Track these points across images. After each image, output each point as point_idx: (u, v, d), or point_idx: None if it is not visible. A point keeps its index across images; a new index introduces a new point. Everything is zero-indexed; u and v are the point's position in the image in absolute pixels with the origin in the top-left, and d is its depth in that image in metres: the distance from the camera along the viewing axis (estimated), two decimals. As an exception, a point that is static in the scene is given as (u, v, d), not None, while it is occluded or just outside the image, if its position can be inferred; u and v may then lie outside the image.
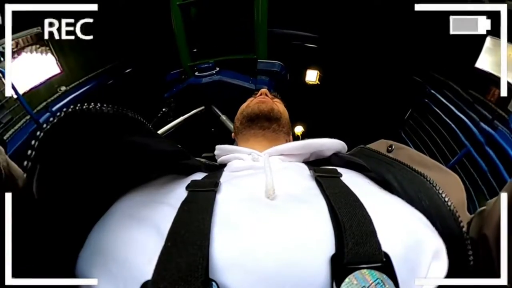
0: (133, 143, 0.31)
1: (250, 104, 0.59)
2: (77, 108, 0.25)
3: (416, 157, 0.40)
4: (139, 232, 0.26)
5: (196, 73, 2.16)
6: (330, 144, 0.48)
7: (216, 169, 0.45)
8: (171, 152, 0.37)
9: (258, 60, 2.12)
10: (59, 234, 0.26)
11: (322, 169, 0.37)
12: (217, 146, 0.53)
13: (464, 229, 0.29)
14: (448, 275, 0.26)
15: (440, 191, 0.31)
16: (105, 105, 0.27)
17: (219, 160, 0.51)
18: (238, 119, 0.61)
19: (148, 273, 0.21)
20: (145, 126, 0.32)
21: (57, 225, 0.26)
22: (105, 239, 0.27)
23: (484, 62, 2.03)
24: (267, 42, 2.12)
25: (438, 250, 0.26)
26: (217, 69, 2.11)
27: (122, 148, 0.30)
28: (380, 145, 0.46)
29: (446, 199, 0.30)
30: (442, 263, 0.26)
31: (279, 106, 0.62)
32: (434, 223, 0.29)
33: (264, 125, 0.55)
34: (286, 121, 0.61)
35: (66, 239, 0.27)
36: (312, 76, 2.86)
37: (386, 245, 0.23)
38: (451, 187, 0.34)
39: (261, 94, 0.64)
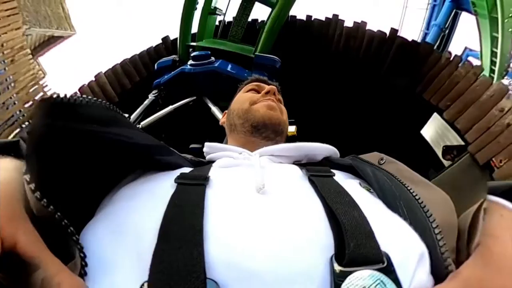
0: (113, 134, 0.29)
1: (258, 108, 0.53)
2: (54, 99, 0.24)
3: (405, 172, 0.40)
4: (127, 231, 0.25)
5: (191, 62, 2.06)
6: (322, 149, 0.46)
7: (203, 165, 0.42)
8: (153, 145, 0.34)
9: (256, 54, 2.05)
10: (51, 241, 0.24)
11: (315, 168, 0.36)
12: (206, 144, 0.50)
13: (446, 252, 0.26)
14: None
15: (422, 205, 0.30)
16: (79, 96, 0.26)
17: (208, 157, 0.48)
18: (240, 117, 0.54)
19: (143, 273, 0.21)
20: (123, 117, 0.31)
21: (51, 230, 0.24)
22: (96, 241, 0.25)
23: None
24: (272, 41, 2.07)
25: (423, 255, 0.26)
26: (213, 58, 2.02)
27: (102, 139, 0.28)
28: (372, 157, 0.46)
29: (428, 214, 0.29)
30: (427, 265, 0.26)
31: (283, 111, 0.57)
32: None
33: (269, 136, 0.52)
34: (287, 130, 0.57)
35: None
36: (291, 128, 3.28)
37: (382, 246, 0.23)
38: (438, 205, 0.33)
39: (268, 92, 0.56)
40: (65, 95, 0.25)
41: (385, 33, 2.36)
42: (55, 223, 0.22)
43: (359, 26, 2.44)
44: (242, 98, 0.59)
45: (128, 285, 0.21)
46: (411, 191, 0.32)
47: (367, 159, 0.44)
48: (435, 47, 2.36)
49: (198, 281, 0.20)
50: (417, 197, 0.31)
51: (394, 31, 2.35)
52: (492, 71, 4.54)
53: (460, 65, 2.06)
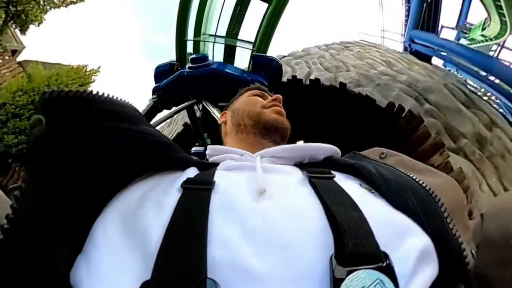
0: (142, 132, 0.31)
1: (270, 112, 0.56)
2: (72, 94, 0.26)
3: (408, 162, 0.40)
4: (135, 231, 0.26)
5: (189, 64, 2.07)
6: (323, 148, 0.46)
7: (207, 166, 0.43)
8: (167, 142, 0.36)
9: (254, 54, 2.06)
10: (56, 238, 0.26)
11: (315, 170, 0.37)
12: (209, 146, 0.52)
13: (457, 232, 0.28)
14: (447, 278, 0.26)
15: (430, 191, 0.31)
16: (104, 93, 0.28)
17: (211, 159, 0.49)
18: (251, 118, 0.56)
19: (146, 272, 0.21)
20: (145, 119, 0.34)
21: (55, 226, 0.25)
22: (101, 241, 0.26)
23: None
24: (270, 38, 2.08)
25: (425, 250, 0.26)
26: (211, 60, 2.03)
27: (132, 137, 0.31)
28: (373, 152, 0.46)
29: (437, 199, 0.30)
30: (431, 263, 0.26)
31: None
32: (421, 222, 0.29)
33: (276, 140, 0.54)
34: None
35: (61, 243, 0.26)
36: (299, 143, 3.69)
37: (381, 246, 0.23)
38: (445, 189, 0.33)
39: (275, 100, 0.59)
40: (98, 92, 0.28)
41: (335, 86, 2.55)
42: None
43: (313, 82, 2.68)
44: (251, 100, 0.61)
45: (132, 284, 0.22)
46: (417, 179, 0.33)
47: (368, 155, 0.45)
48: (420, 20, 2.45)
49: (198, 280, 0.20)
50: (423, 185, 0.32)
51: (342, 84, 2.56)
52: (503, 22, 4.35)
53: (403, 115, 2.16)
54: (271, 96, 0.64)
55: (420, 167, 0.39)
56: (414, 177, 0.34)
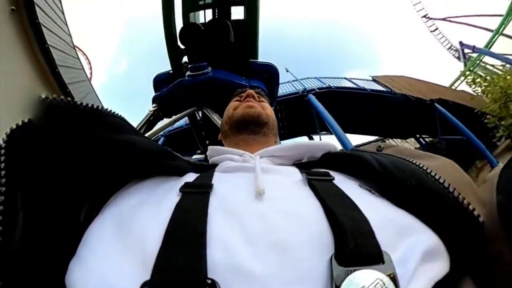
0: (118, 140, 0.32)
1: (238, 110, 0.60)
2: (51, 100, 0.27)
3: (405, 150, 0.41)
4: (132, 235, 0.26)
5: (189, 73, 2.12)
6: (321, 146, 0.48)
7: (206, 168, 0.45)
8: (158, 150, 0.37)
9: (251, 60, 2.11)
10: (47, 243, 0.26)
11: (314, 172, 0.37)
12: (210, 147, 0.53)
13: (464, 200, 0.28)
14: (463, 251, 0.26)
15: (428, 170, 0.31)
16: (80, 102, 0.29)
17: (211, 160, 0.51)
18: (227, 123, 0.61)
19: (146, 274, 0.21)
20: (127, 124, 0.34)
21: (44, 232, 0.25)
22: (97, 245, 0.26)
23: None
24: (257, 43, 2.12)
25: (430, 249, 0.26)
26: (210, 68, 2.08)
27: (105, 145, 0.31)
28: (370, 147, 0.48)
29: (437, 177, 0.30)
30: (438, 261, 0.26)
31: (266, 107, 0.62)
32: (424, 206, 0.29)
33: (255, 130, 0.56)
34: (274, 123, 0.62)
35: (54, 249, 0.26)
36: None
37: (382, 246, 0.23)
38: (446, 169, 0.33)
39: (247, 96, 0.63)
40: (93, 105, 0.30)
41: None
42: None
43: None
44: (228, 109, 0.65)
45: (131, 286, 0.21)
46: (416, 163, 0.33)
47: (365, 149, 0.46)
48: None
49: (198, 280, 0.20)
50: (423, 167, 0.32)
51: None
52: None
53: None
54: (252, 90, 0.67)
55: (418, 153, 0.39)
56: (412, 161, 0.34)
